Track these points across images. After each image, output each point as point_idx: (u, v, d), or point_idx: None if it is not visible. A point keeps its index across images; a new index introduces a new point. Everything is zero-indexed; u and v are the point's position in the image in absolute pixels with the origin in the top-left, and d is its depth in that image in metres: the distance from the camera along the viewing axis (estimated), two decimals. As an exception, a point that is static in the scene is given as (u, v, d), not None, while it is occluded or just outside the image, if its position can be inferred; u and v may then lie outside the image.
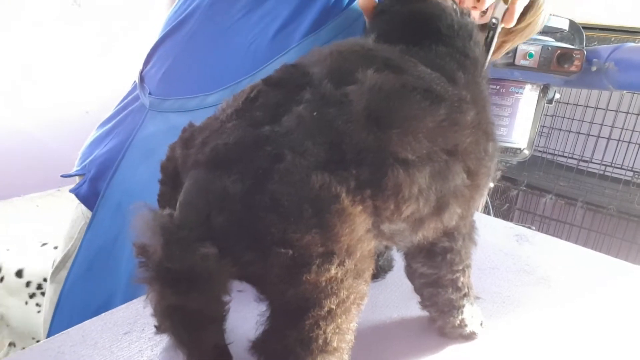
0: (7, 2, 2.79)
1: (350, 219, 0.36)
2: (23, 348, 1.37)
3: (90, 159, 0.76)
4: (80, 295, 0.73)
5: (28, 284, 1.39)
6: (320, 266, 0.35)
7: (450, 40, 0.51)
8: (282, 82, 0.42)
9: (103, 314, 0.55)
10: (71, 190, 0.75)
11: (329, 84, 0.41)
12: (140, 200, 0.74)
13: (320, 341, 0.37)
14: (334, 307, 0.37)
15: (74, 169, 0.79)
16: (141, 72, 0.79)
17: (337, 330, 0.38)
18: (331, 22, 0.67)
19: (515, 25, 0.66)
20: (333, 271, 0.36)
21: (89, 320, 0.54)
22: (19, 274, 1.42)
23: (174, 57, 0.73)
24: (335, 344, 0.38)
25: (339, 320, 0.38)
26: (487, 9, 0.72)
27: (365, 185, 0.37)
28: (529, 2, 0.67)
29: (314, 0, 0.66)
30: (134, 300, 0.58)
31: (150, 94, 0.73)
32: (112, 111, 0.81)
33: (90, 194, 0.73)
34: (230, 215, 0.35)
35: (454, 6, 0.54)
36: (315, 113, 0.39)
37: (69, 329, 0.53)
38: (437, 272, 0.51)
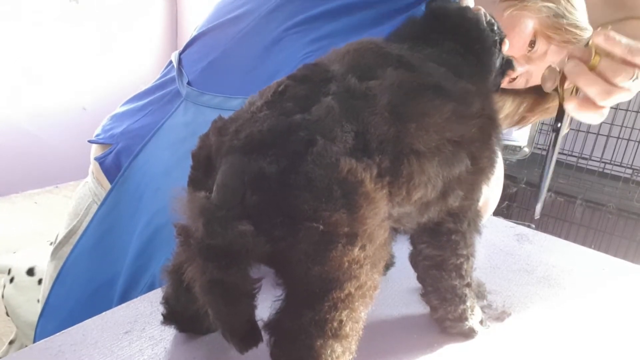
0: (6, 1, 2.79)
1: (374, 202, 0.39)
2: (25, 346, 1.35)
3: (120, 130, 0.75)
4: (84, 269, 0.72)
5: (40, 281, 1.35)
6: (345, 245, 0.37)
7: (457, 35, 0.54)
8: (307, 77, 0.45)
9: (103, 313, 0.55)
10: (96, 158, 0.75)
11: (353, 78, 0.44)
12: (159, 185, 0.73)
13: (335, 324, 0.38)
14: (353, 290, 0.38)
15: (97, 132, 0.78)
16: (180, 53, 0.78)
17: (351, 316, 0.39)
18: None
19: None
20: (356, 252, 0.38)
21: (90, 319, 0.54)
22: (30, 272, 1.39)
23: (222, 50, 0.73)
24: (347, 330, 0.39)
25: (356, 305, 0.39)
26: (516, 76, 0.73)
27: (385, 172, 0.40)
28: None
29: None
30: (135, 299, 0.58)
31: (188, 83, 0.73)
32: (149, 86, 0.80)
33: (113, 165, 0.73)
34: (265, 194, 0.37)
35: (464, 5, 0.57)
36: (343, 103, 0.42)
37: (69, 329, 0.52)
38: (442, 254, 0.52)
